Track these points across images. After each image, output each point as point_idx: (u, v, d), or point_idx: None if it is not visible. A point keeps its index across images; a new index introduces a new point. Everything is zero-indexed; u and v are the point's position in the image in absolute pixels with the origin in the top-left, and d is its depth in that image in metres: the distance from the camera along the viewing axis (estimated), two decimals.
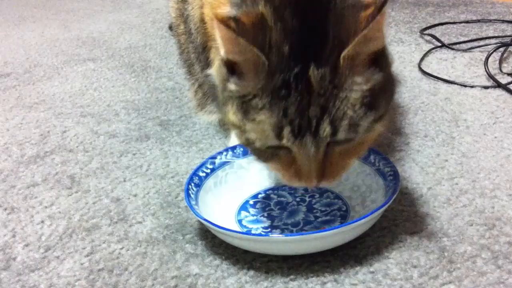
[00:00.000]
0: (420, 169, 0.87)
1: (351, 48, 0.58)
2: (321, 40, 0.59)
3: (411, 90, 1.15)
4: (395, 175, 0.73)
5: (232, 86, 0.63)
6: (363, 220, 0.66)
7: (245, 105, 0.62)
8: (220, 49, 0.62)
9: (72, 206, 0.82)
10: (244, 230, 0.73)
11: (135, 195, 0.84)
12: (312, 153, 0.62)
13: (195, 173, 0.78)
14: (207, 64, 0.90)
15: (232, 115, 0.64)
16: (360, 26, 0.58)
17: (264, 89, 0.60)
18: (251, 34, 0.58)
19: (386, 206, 0.68)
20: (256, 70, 0.59)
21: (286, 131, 0.60)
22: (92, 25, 1.84)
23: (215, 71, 0.70)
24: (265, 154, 0.66)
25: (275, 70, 0.59)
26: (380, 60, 0.62)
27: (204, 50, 0.89)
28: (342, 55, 0.58)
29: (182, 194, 0.82)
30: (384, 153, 0.87)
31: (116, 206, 0.81)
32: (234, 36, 0.57)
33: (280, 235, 0.71)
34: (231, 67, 0.62)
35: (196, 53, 0.97)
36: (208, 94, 1.05)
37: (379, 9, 0.57)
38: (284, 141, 0.61)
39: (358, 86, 0.60)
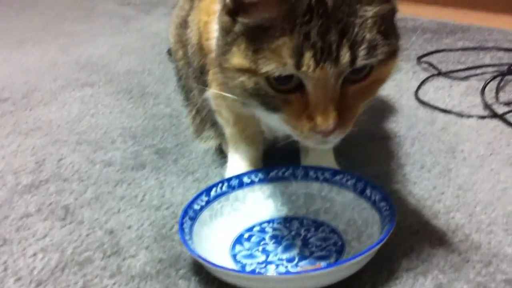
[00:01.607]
0: (416, 202, 0.86)
1: None
2: None
3: (408, 119, 1.15)
4: (391, 210, 0.73)
5: (242, 21, 0.64)
6: (359, 258, 0.65)
7: (259, 37, 0.62)
8: None
9: (65, 238, 0.82)
10: (239, 265, 0.73)
11: (129, 227, 0.83)
12: (331, 84, 0.62)
13: (189, 206, 0.77)
14: (205, 88, 0.91)
15: (239, 56, 0.64)
16: None
17: (285, 15, 0.61)
18: None
19: (382, 242, 0.67)
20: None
21: (308, 56, 0.61)
22: (92, 48, 1.84)
23: (218, 19, 0.70)
24: (275, 101, 0.66)
25: None
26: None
27: (202, 74, 0.89)
28: None
29: (177, 227, 0.81)
30: (381, 186, 0.87)
31: (110, 239, 0.81)
32: None
33: (275, 274, 0.70)
34: (240, 5, 0.64)
35: (194, 77, 0.97)
36: (206, 120, 1.05)
37: None
38: (304, 68, 0.61)
39: (370, 13, 0.62)
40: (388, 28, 0.65)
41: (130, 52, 1.78)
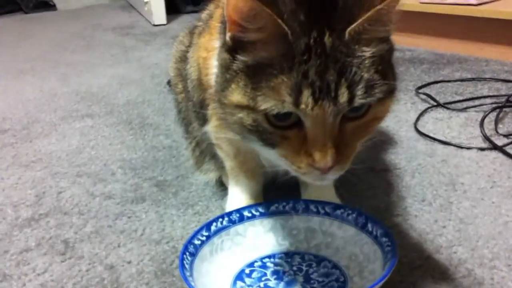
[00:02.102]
0: (418, 236, 0.86)
1: (357, 25, 0.62)
2: (331, 10, 0.63)
3: (408, 151, 1.16)
4: (393, 246, 0.72)
5: (241, 59, 0.65)
6: None
7: (258, 74, 0.63)
8: (226, 32, 0.65)
9: (65, 273, 0.81)
10: None
11: (129, 262, 0.83)
12: (330, 122, 0.63)
13: (190, 242, 0.77)
14: (204, 121, 0.91)
15: (238, 93, 0.65)
16: (372, 4, 0.61)
17: (284, 55, 0.62)
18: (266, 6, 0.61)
19: (385, 279, 0.67)
20: (275, 38, 0.62)
21: (306, 94, 0.61)
22: (91, 79, 1.85)
23: (218, 56, 0.71)
24: (273, 137, 0.66)
25: (296, 37, 0.61)
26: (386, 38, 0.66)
27: (201, 108, 0.90)
28: (348, 29, 0.62)
29: (177, 261, 0.81)
30: (382, 219, 0.87)
31: (109, 274, 0.80)
32: (258, 7, 0.60)
33: None
34: (239, 44, 0.64)
35: (194, 111, 0.98)
36: (206, 152, 1.05)
37: None
38: (303, 106, 0.62)
39: (368, 54, 0.63)
40: (385, 68, 0.65)
41: (130, 82, 1.79)
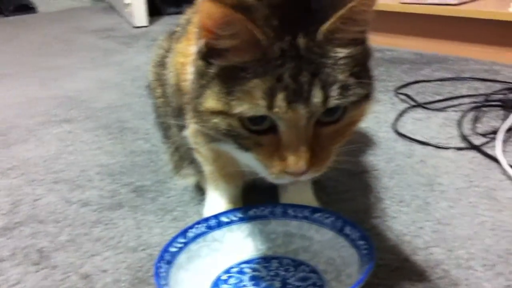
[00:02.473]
0: (395, 237, 0.86)
1: (330, 24, 0.61)
2: (304, 13, 0.63)
3: (386, 152, 1.16)
4: (370, 250, 0.72)
5: (215, 65, 0.65)
6: None
7: (232, 79, 0.63)
8: (199, 39, 0.66)
9: (39, 284, 0.80)
10: None
11: (105, 271, 0.82)
12: (303, 125, 0.62)
13: (166, 249, 0.76)
14: (183, 126, 0.90)
15: (213, 99, 0.65)
16: (344, 4, 0.61)
17: (258, 60, 0.62)
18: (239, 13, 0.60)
19: (362, 283, 0.67)
20: (249, 44, 0.61)
21: (280, 97, 0.61)
22: (71, 83, 1.84)
23: (194, 63, 0.71)
24: (248, 142, 0.66)
25: (270, 42, 0.61)
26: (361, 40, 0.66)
27: (180, 113, 0.89)
28: (321, 29, 0.62)
29: (153, 270, 0.80)
30: (360, 221, 0.87)
31: (85, 284, 0.79)
32: (230, 14, 0.59)
33: None
34: (213, 50, 0.64)
35: (173, 116, 0.97)
36: (185, 157, 1.04)
37: None
38: (276, 109, 0.61)
39: (342, 54, 0.63)
40: (361, 71, 0.65)
41: (110, 86, 1.78)
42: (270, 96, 0.61)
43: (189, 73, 0.77)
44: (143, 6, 2.77)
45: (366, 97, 0.66)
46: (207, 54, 0.66)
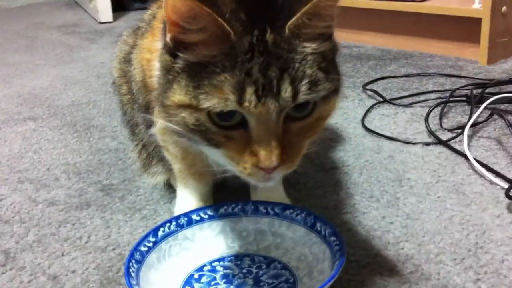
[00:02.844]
0: (366, 233, 0.87)
1: (296, 19, 0.62)
2: (271, 8, 0.63)
3: (356, 148, 1.16)
4: (341, 245, 0.72)
5: (183, 58, 0.64)
6: None
7: (200, 73, 0.62)
8: (166, 33, 0.64)
9: (5, 285, 0.77)
10: None
11: (73, 272, 0.80)
12: (274, 120, 0.62)
13: (136, 248, 0.75)
14: (151, 123, 0.89)
15: (180, 93, 0.64)
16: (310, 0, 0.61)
17: (226, 54, 0.61)
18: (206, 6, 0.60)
19: (333, 279, 0.67)
20: (217, 38, 0.61)
21: (249, 91, 0.61)
22: (35, 80, 1.79)
23: (159, 58, 0.70)
24: (217, 137, 0.65)
25: (238, 36, 0.61)
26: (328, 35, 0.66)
27: (147, 110, 0.88)
28: (288, 24, 0.62)
29: (124, 269, 0.78)
30: (331, 218, 0.87)
31: (53, 285, 0.77)
32: (197, 7, 0.59)
33: None
34: (180, 44, 0.64)
35: (140, 113, 0.95)
36: (153, 155, 1.03)
37: None
38: (246, 104, 0.61)
39: (310, 49, 0.63)
40: (329, 66, 0.65)
41: (75, 83, 1.74)
42: (239, 91, 0.61)
43: (155, 69, 0.76)
44: (107, 2, 2.72)
45: (334, 92, 0.67)
46: (174, 48, 0.65)
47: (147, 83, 0.83)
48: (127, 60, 1.01)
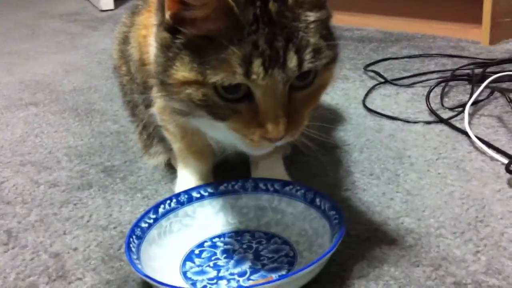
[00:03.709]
0: (366, 209, 0.87)
1: None
2: None
3: (356, 128, 1.16)
4: (340, 219, 0.73)
5: (185, 34, 0.64)
6: (309, 268, 0.65)
7: (205, 48, 0.62)
8: (165, 10, 0.64)
9: (8, 263, 0.78)
10: (189, 282, 0.71)
11: (75, 249, 0.80)
12: (280, 91, 0.63)
13: (136, 225, 0.75)
14: (150, 103, 0.89)
15: (184, 70, 0.64)
16: None
17: (231, 27, 0.61)
18: None
19: (332, 251, 0.67)
20: (221, 12, 0.61)
21: (257, 64, 0.61)
22: (36, 67, 1.80)
23: (156, 36, 0.69)
24: (224, 111, 0.65)
25: (241, 8, 0.61)
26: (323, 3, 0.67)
27: (145, 89, 0.88)
28: None
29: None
30: (331, 195, 0.87)
31: (55, 262, 0.78)
32: None
33: None
34: (182, 20, 0.63)
35: (139, 93, 0.95)
36: (153, 135, 1.03)
37: None
38: (254, 76, 0.61)
39: (312, 18, 0.64)
40: (328, 34, 0.66)
41: (76, 69, 1.75)
42: (247, 63, 0.61)
43: (151, 44, 0.76)
44: None
45: (334, 59, 0.68)
46: (174, 25, 0.65)
47: (144, 60, 0.83)
48: (125, 41, 1.01)
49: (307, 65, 0.63)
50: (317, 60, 0.63)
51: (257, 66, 0.61)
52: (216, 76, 0.62)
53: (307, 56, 0.63)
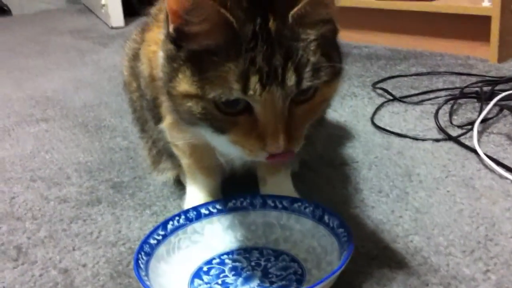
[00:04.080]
0: (375, 226, 0.87)
1: (299, 8, 0.63)
2: None
3: (365, 145, 1.16)
4: (349, 236, 0.73)
5: (186, 49, 0.65)
6: (318, 286, 0.64)
7: (204, 63, 0.63)
8: (169, 24, 0.65)
9: (17, 279, 0.79)
10: None
11: (84, 265, 0.81)
12: (279, 106, 0.63)
13: (145, 241, 0.75)
14: (159, 119, 0.90)
15: (185, 83, 0.65)
16: None
17: (230, 43, 0.62)
18: None
19: (340, 270, 0.67)
20: (220, 28, 0.61)
21: (254, 80, 0.62)
22: (47, 83, 1.82)
23: (163, 47, 0.70)
24: (223, 124, 0.66)
25: (241, 25, 0.62)
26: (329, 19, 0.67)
27: (155, 106, 0.89)
28: (291, 13, 0.63)
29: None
30: (340, 212, 0.87)
31: (63, 278, 0.78)
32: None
33: None
34: (183, 34, 0.64)
35: (148, 109, 0.96)
36: (162, 152, 1.03)
37: None
38: (251, 92, 0.62)
39: (313, 36, 0.64)
40: (331, 50, 0.67)
41: (87, 85, 1.76)
42: (243, 80, 0.62)
43: (160, 57, 0.77)
44: (119, 7, 2.75)
45: (336, 75, 0.68)
46: (177, 38, 0.66)
47: (154, 76, 0.83)
48: (135, 58, 1.02)
49: (306, 83, 0.63)
50: (316, 78, 0.64)
51: (254, 82, 0.62)
52: (214, 91, 0.63)
53: (306, 74, 0.63)
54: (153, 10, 0.94)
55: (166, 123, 0.88)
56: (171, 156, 0.99)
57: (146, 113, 1.00)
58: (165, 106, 0.84)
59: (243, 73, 0.61)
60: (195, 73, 0.64)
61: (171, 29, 0.65)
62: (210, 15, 0.61)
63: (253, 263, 0.78)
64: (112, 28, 2.75)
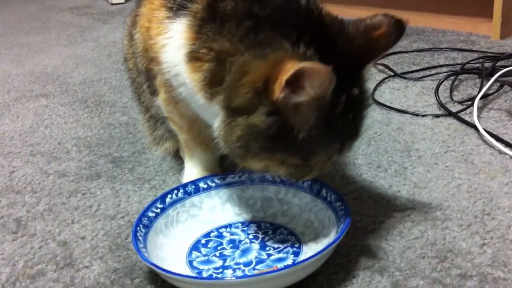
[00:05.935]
0: (373, 201, 0.87)
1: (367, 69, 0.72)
2: (339, 59, 0.65)
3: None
4: (346, 210, 0.73)
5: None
6: (315, 258, 0.65)
7: (300, 143, 0.65)
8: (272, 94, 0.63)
9: (17, 251, 0.79)
10: (195, 272, 0.72)
11: (83, 238, 0.81)
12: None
13: (144, 214, 0.76)
14: (154, 91, 0.89)
15: (280, 163, 0.69)
16: (377, 46, 0.72)
17: (321, 122, 0.65)
18: None
19: (337, 242, 0.67)
20: (318, 99, 0.63)
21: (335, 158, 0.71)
22: (46, 59, 1.81)
23: (240, 122, 0.67)
24: None
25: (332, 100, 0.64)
26: None
27: (148, 77, 0.88)
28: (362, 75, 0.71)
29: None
30: (338, 187, 0.87)
31: (63, 250, 0.79)
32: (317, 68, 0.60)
33: (229, 278, 0.69)
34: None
35: (144, 80, 0.95)
36: (157, 118, 1.02)
37: (397, 24, 0.73)
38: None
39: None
40: None
41: (86, 62, 1.75)
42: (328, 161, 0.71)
43: (154, 38, 0.78)
44: None
45: None
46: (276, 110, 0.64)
47: (146, 47, 0.83)
48: (134, 24, 1.01)
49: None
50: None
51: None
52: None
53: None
54: None
55: (161, 98, 0.88)
56: (169, 130, 0.99)
57: (143, 85, 0.99)
58: (159, 79, 0.84)
59: (330, 157, 0.71)
60: (296, 152, 0.68)
61: (276, 98, 0.63)
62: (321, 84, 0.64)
63: (251, 236, 0.79)
64: (112, 4, 2.73)
